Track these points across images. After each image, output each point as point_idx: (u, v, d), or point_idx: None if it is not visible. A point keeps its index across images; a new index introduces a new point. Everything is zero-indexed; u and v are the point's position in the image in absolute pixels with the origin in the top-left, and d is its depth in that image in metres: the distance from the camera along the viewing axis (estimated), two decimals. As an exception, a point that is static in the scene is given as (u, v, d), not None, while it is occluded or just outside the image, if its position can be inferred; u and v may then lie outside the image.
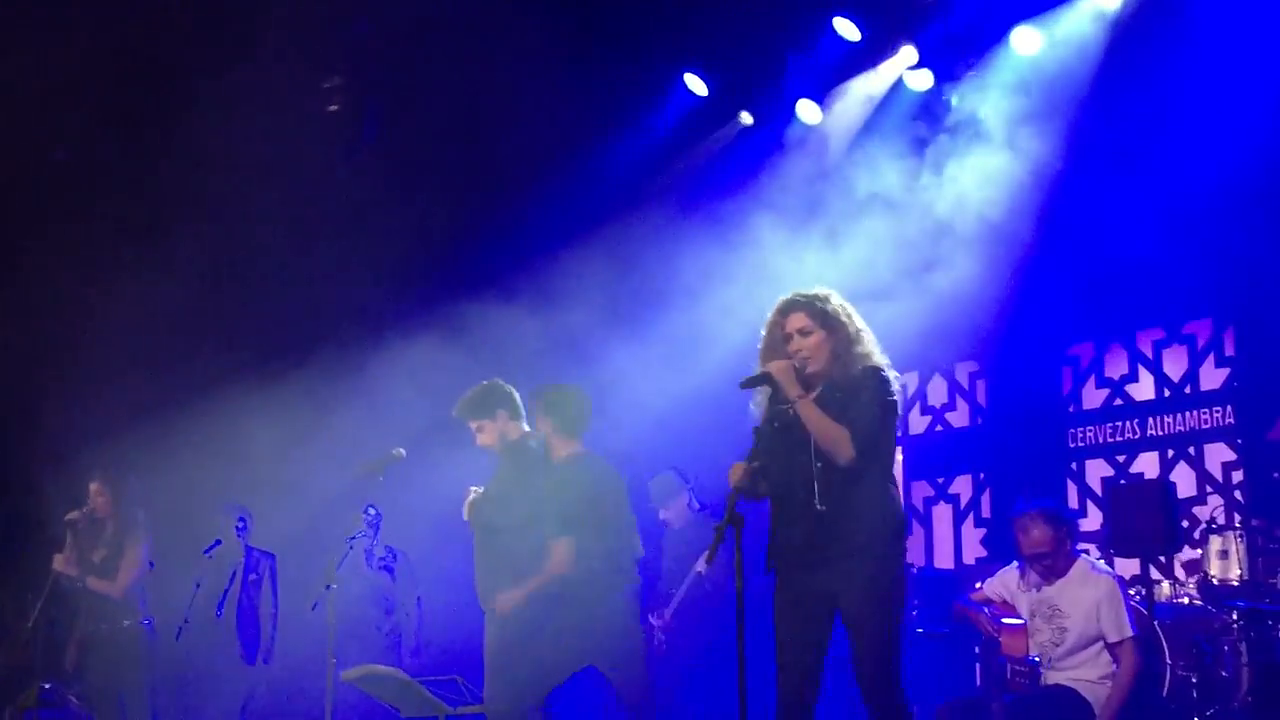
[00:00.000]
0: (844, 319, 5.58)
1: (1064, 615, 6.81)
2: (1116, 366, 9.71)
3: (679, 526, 9.07)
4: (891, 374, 5.56)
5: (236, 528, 9.71)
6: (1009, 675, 6.76)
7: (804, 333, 5.56)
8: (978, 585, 7.31)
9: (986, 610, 6.97)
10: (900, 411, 5.61)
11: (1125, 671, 6.69)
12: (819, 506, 5.37)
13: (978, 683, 7.06)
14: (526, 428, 7.28)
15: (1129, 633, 6.76)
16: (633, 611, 6.94)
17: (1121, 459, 9.56)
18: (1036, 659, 6.71)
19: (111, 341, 9.97)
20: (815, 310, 5.57)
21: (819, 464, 5.40)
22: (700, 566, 8.54)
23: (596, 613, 6.78)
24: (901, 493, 5.75)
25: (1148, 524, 7.57)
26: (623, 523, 7.05)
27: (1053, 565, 6.87)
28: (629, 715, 6.86)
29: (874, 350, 5.60)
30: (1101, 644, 6.76)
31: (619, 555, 6.95)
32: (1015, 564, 7.17)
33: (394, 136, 10.18)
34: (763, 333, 5.71)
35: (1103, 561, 7.84)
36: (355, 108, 9.82)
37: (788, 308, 5.63)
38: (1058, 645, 6.77)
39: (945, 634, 7.00)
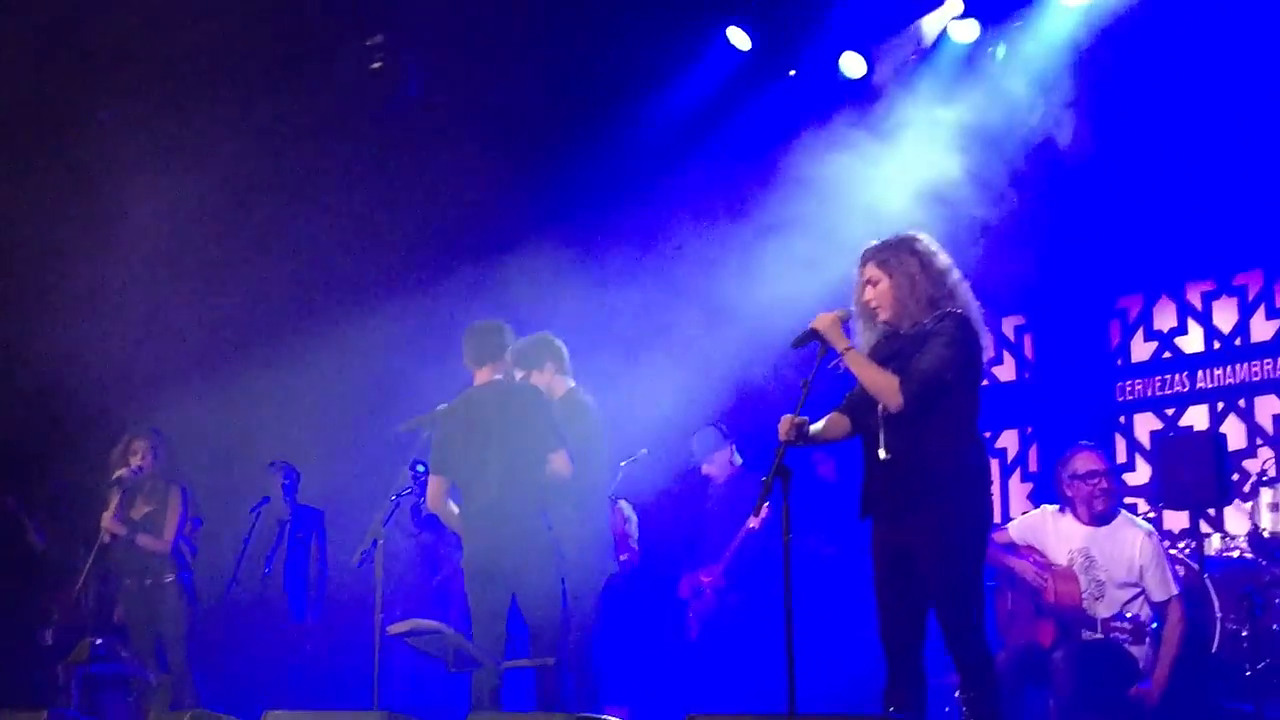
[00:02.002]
0: (910, 264, 5.50)
1: (1099, 568, 6.78)
2: (1165, 319, 9.61)
3: (722, 481, 9.06)
4: (975, 318, 5.48)
5: (283, 485, 9.78)
6: (1062, 622, 6.73)
7: (873, 282, 5.55)
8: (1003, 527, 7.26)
9: (1031, 559, 6.94)
10: (979, 355, 5.47)
11: (1172, 629, 6.66)
12: (883, 455, 5.38)
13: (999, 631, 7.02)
14: (572, 383, 7.28)
15: (1174, 590, 6.73)
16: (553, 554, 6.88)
17: (1170, 412, 9.48)
18: (1090, 616, 6.68)
19: (155, 300, 10.03)
20: (883, 259, 5.54)
21: (882, 414, 5.39)
22: (752, 522, 8.51)
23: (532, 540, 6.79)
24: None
25: (1198, 477, 7.52)
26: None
27: (1104, 494, 6.83)
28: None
29: (957, 294, 5.52)
30: (1141, 599, 6.72)
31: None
32: (1048, 506, 7.13)
33: (435, 94, 10.13)
34: None
35: (1144, 519, 7.82)
36: (397, 65, 9.76)
37: (863, 257, 5.63)
38: (1097, 599, 6.73)
39: (996, 586, 6.96)
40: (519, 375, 7.18)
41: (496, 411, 6.86)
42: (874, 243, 5.64)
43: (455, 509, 6.95)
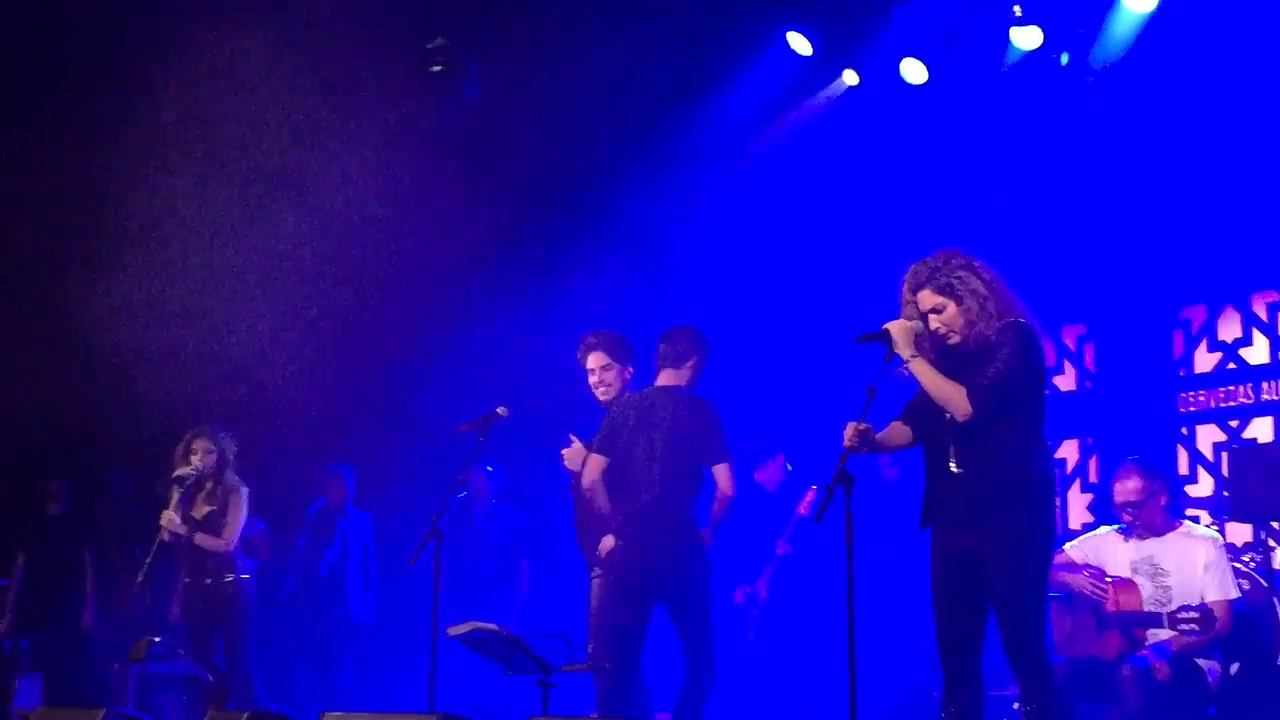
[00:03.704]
0: (972, 282, 5.40)
1: (1166, 574, 6.73)
2: (1229, 329, 9.49)
3: (773, 489, 9.04)
4: (1031, 324, 5.43)
5: (339, 486, 9.81)
6: (1126, 632, 6.66)
7: (938, 310, 5.42)
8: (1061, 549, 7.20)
9: (1085, 572, 6.88)
10: (1043, 363, 5.45)
11: (1216, 630, 6.57)
12: (954, 468, 5.33)
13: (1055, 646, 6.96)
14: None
15: (1232, 594, 6.68)
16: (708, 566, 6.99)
17: (1234, 424, 9.36)
18: (1155, 612, 6.60)
19: (212, 303, 10.09)
20: (941, 284, 5.41)
21: (951, 424, 5.33)
22: (782, 549, 8.58)
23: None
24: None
25: (1266, 489, 7.41)
26: None
27: (1148, 520, 6.77)
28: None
29: (1010, 301, 5.45)
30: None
31: None
32: (1106, 528, 7.09)
33: (494, 96, 10.15)
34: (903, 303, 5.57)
35: (1209, 526, 7.74)
36: (458, 67, 9.79)
37: (915, 283, 5.48)
38: (1163, 606, 6.66)
39: (1060, 598, 6.91)
40: (600, 362, 7.20)
41: (671, 416, 6.92)
42: (917, 265, 5.51)
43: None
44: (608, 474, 6.93)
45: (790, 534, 8.66)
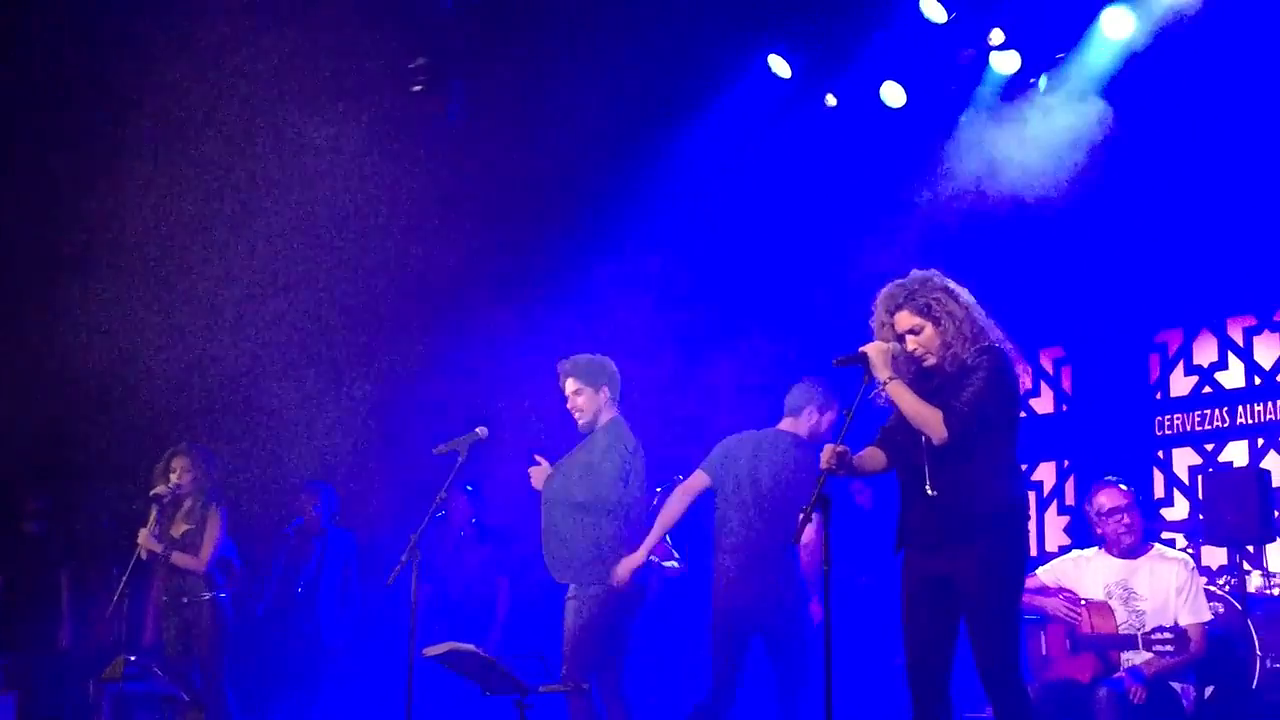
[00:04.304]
0: (949, 304, 5.44)
1: (1140, 598, 6.76)
2: (1206, 353, 9.56)
3: None
4: (1006, 349, 5.47)
5: (317, 505, 9.77)
6: (1101, 655, 6.68)
7: (915, 331, 5.45)
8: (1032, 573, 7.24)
9: (1060, 595, 6.90)
10: (1017, 388, 5.47)
11: (1191, 652, 6.60)
12: (929, 491, 5.33)
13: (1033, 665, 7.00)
14: (616, 413, 7.29)
15: (1205, 617, 6.72)
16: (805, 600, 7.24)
17: (1210, 447, 9.41)
18: (1129, 634, 6.63)
19: (191, 317, 10.07)
20: (919, 305, 5.44)
21: (928, 449, 5.34)
22: None
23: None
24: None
25: (1241, 513, 7.46)
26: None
27: (1129, 530, 6.81)
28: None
29: (985, 325, 5.48)
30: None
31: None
32: (1077, 552, 7.15)
33: (476, 117, 10.17)
34: (872, 324, 5.59)
35: (1184, 550, 7.77)
36: (439, 88, 9.82)
37: (891, 304, 5.51)
38: (1138, 629, 6.69)
39: (1034, 621, 6.93)
40: (572, 388, 7.26)
41: (782, 464, 7.14)
42: (893, 287, 5.54)
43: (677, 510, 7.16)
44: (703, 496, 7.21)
45: None
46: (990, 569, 5.28)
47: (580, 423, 7.27)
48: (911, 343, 5.45)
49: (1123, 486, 7.01)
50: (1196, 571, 6.87)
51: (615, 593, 7.01)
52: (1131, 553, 6.88)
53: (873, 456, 5.61)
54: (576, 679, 6.82)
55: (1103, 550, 6.99)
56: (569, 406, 7.31)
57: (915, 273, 5.58)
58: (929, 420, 5.31)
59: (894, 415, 5.49)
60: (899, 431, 5.50)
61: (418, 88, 9.76)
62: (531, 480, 7.36)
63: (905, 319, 5.47)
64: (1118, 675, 6.60)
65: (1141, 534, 6.94)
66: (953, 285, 5.53)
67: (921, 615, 5.41)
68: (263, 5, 9.21)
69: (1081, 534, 9.36)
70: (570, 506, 7.10)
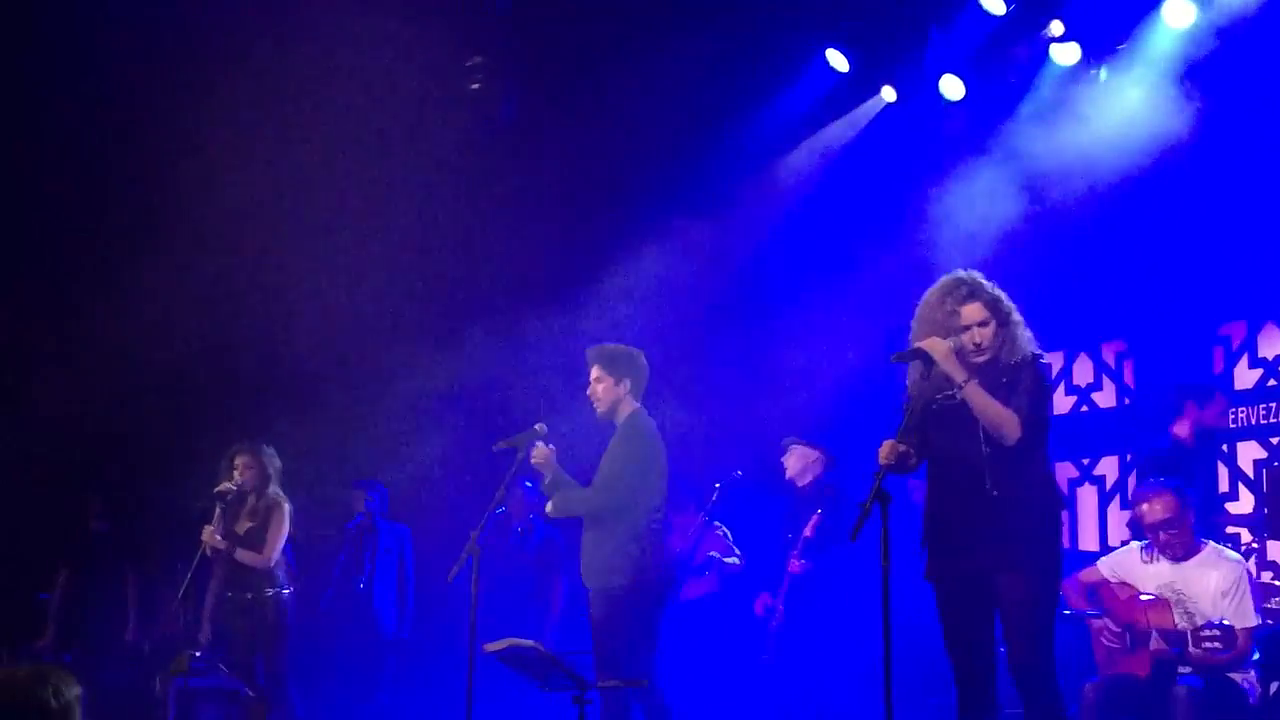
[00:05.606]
0: (1008, 304, 5.55)
1: (1190, 599, 6.68)
2: (1270, 346, 9.43)
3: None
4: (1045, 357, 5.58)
5: (368, 502, 9.85)
6: (1159, 651, 6.62)
7: (982, 324, 5.49)
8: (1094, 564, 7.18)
9: (1122, 593, 6.84)
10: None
11: (1239, 649, 6.52)
12: (992, 492, 5.35)
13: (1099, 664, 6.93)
14: (638, 404, 7.25)
15: (1252, 622, 6.62)
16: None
17: (1275, 441, 9.28)
18: (1181, 630, 6.56)
19: (253, 319, 10.16)
20: (989, 299, 5.51)
21: (988, 448, 5.36)
22: (794, 565, 8.56)
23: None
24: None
25: (1307, 507, 7.37)
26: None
27: (1177, 539, 6.72)
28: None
29: (1028, 334, 5.57)
30: None
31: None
32: (1136, 544, 7.05)
33: (532, 114, 10.21)
34: (920, 306, 5.62)
35: (1246, 548, 7.67)
36: (495, 86, 9.86)
37: (963, 295, 5.54)
38: (1188, 630, 6.62)
39: (1097, 615, 6.88)
40: (594, 375, 7.18)
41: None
42: (953, 280, 5.58)
43: None
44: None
45: (800, 553, 8.60)
46: (1035, 568, 5.37)
47: (598, 411, 7.21)
48: (978, 334, 5.48)
49: (1169, 492, 6.85)
50: (1247, 575, 6.74)
51: (634, 589, 6.96)
52: (1183, 555, 6.79)
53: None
54: (608, 676, 6.79)
55: (1155, 551, 6.90)
56: (588, 393, 7.24)
57: (961, 271, 5.63)
58: (1006, 421, 5.35)
59: (916, 414, 5.47)
60: (935, 429, 5.49)
61: (475, 86, 9.80)
62: (531, 457, 7.13)
63: (976, 310, 5.50)
64: (1186, 671, 6.52)
65: (1192, 538, 6.82)
66: (1000, 290, 5.61)
67: (968, 613, 5.45)
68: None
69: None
70: (589, 507, 7.12)
